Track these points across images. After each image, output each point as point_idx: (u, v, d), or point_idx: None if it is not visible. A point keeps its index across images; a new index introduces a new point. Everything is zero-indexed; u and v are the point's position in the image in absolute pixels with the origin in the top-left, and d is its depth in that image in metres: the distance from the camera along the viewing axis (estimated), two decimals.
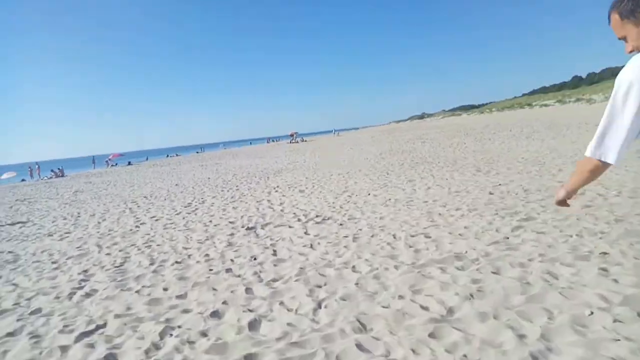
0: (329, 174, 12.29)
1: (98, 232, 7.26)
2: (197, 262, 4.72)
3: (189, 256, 4.99)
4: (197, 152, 60.66)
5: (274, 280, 3.85)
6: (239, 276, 4.07)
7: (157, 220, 7.76)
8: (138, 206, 9.97)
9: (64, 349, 2.94)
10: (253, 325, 2.97)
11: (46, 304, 3.87)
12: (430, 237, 4.55)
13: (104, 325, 3.27)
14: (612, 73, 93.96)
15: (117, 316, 3.40)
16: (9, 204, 14.04)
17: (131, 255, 5.35)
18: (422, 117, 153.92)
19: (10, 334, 3.26)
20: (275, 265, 4.28)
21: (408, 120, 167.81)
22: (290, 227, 5.91)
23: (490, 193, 6.49)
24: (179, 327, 3.08)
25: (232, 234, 5.87)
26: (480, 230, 4.57)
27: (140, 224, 7.56)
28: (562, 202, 1.79)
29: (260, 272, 4.12)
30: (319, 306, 3.15)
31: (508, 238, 4.16)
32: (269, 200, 8.51)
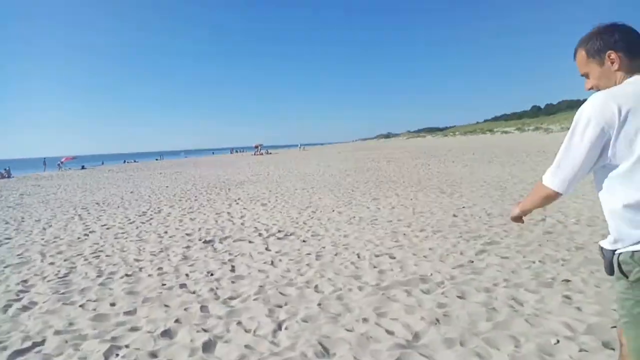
0: (293, 188, 12.13)
1: (42, 239, 6.74)
2: (149, 275, 4.42)
3: (141, 269, 4.68)
4: (157, 159, 58.98)
5: (232, 298, 3.64)
6: (193, 292, 3.82)
7: (108, 228, 7.32)
8: (88, 213, 9.41)
9: None
10: (207, 346, 2.75)
11: None
12: (394, 258, 4.47)
13: (42, 343, 2.96)
14: (567, 105, 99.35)
15: (57, 332, 3.09)
16: None
17: (77, 266, 4.96)
18: (387, 136, 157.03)
19: None
20: (233, 282, 4.06)
21: (375, 138, 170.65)
22: (250, 242, 5.69)
23: (454, 215, 6.53)
24: (126, 346, 2.81)
25: (188, 247, 5.58)
26: (445, 252, 4.54)
27: (90, 232, 7.10)
28: (517, 219, 1.86)
29: (217, 288, 3.89)
30: (279, 327, 2.97)
31: (472, 262, 4.14)
32: (229, 213, 8.23)
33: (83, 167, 39.32)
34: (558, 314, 2.82)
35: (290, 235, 5.95)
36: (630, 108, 1.32)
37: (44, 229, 7.66)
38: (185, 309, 3.40)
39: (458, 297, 3.26)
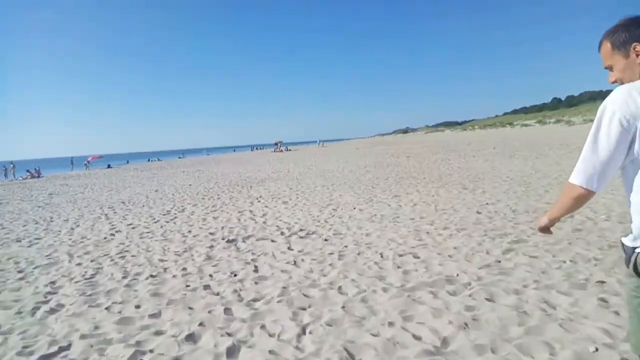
0: (313, 185, 12.11)
1: (70, 239, 6.89)
2: (174, 276, 4.45)
3: (165, 269, 4.71)
4: (179, 158, 59.82)
5: (255, 300, 3.62)
6: (217, 294, 3.82)
7: (133, 228, 7.43)
8: (114, 212, 9.59)
9: None
10: (231, 351, 2.73)
11: (6, 319, 3.54)
12: (419, 258, 4.38)
13: (68, 347, 2.98)
14: (589, 97, 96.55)
15: (83, 336, 3.12)
16: None
17: (103, 267, 5.04)
18: (405, 131, 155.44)
19: None
20: (256, 283, 4.05)
21: (392, 134, 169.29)
22: (273, 241, 5.68)
23: (478, 212, 6.39)
24: (151, 351, 2.82)
25: (211, 247, 5.61)
26: (470, 251, 4.43)
27: (116, 231, 7.22)
28: (544, 229, 1.75)
29: (241, 290, 3.88)
30: (303, 332, 2.93)
31: (500, 261, 4.02)
32: (251, 211, 8.26)
33: (109, 166, 40.20)
34: (595, 319, 2.70)
35: (312, 234, 5.92)
36: None
37: (72, 228, 7.82)
38: (209, 312, 3.40)
39: (487, 299, 3.16)
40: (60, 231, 7.65)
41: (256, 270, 4.45)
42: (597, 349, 2.35)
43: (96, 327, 3.29)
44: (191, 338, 2.96)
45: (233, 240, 5.86)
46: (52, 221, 8.93)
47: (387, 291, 3.51)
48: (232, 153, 70.74)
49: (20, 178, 29.75)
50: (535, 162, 13.17)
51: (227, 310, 3.40)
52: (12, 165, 33.99)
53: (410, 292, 3.45)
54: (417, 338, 2.68)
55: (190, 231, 6.75)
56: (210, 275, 4.37)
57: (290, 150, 53.90)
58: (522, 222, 5.52)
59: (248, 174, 18.80)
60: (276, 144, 57.31)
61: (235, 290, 3.85)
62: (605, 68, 1.56)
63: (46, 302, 3.94)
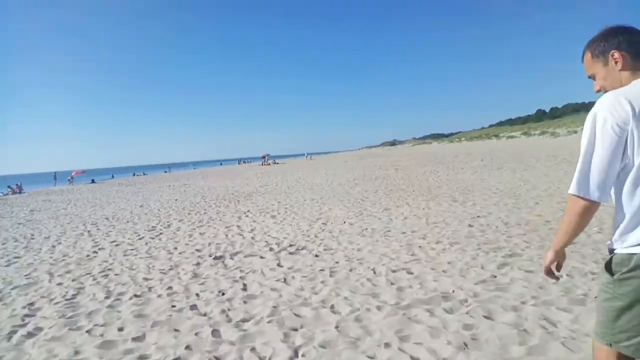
0: (302, 198, 11.98)
1: (51, 257, 6.65)
2: (159, 296, 4.27)
3: (150, 289, 4.53)
4: (165, 172, 59.16)
5: (244, 320, 3.47)
6: (204, 315, 3.66)
7: (117, 245, 7.20)
8: (98, 229, 9.32)
9: None
10: None
11: None
12: (412, 273, 4.28)
13: None
14: (573, 109, 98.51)
15: None
16: None
17: (85, 286, 4.83)
18: (393, 143, 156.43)
19: None
20: (245, 302, 3.89)
21: (380, 146, 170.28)
22: (261, 257, 5.53)
23: (470, 225, 6.33)
24: None
25: (198, 264, 5.44)
26: (465, 266, 4.34)
27: (99, 249, 6.99)
28: (550, 272, 1.64)
29: (229, 310, 3.72)
30: (296, 354, 2.79)
31: (495, 277, 3.93)
32: (238, 226, 8.09)
33: (93, 181, 39.52)
34: None
35: (302, 249, 5.78)
36: None
37: (53, 246, 7.56)
38: (195, 334, 3.24)
39: (485, 317, 3.06)
40: (40, 249, 7.39)
41: (245, 288, 4.30)
42: None
43: (76, 352, 3.11)
44: None
45: (220, 257, 5.70)
46: (32, 238, 8.64)
47: (381, 309, 3.39)
48: (219, 166, 70.28)
49: (1, 194, 29.04)
50: (524, 174, 13.24)
51: (215, 332, 3.24)
52: None
53: (405, 310, 3.34)
54: None
55: (176, 248, 6.56)
56: (197, 295, 4.21)
57: (278, 163, 53.72)
58: (514, 235, 5.46)
59: (235, 187, 18.59)
60: (264, 157, 57.12)
61: (223, 310, 3.70)
62: (589, 77, 1.62)
63: (23, 326, 3.74)
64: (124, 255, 6.31)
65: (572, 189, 1.44)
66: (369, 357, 2.66)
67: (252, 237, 6.90)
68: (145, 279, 4.92)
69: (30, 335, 3.52)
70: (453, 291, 3.65)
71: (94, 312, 3.95)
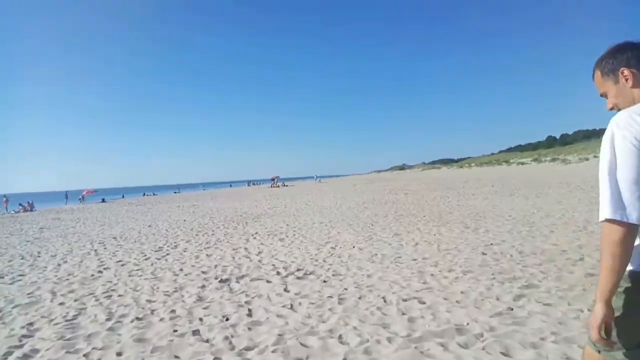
0: (310, 222, 11.84)
1: (56, 275, 6.57)
2: (161, 319, 4.14)
3: (153, 312, 4.41)
4: (175, 192, 59.47)
5: (248, 348, 3.32)
6: (207, 341, 3.52)
7: (123, 265, 7.11)
8: (105, 248, 9.26)
9: None
10: None
11: None
12: (424, 303, 4.10)
13: None
14: (584, 135, 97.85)
15: None
16: None
17: (87, 307, 4.72)
18: (402, 168, 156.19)
19: None
20: (249, 328, 3.75)
21: (389, 170, 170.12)
22: (268, 281, 5.39)
23: (483, 253, 6.13)
24: None
25: (203, 287, 5.31)
26: (479, 297, 4.16)
27: (104, 268, 6.90)
28: (600, 339, 1.37)
29: (232, 336, 3.58)
30: None
31: (512, 309, 3.74)
32: (246, 249, 7.97)
33: (103, 200, 39.85)
34: None
35: (310, 274, 5.63)
36: None
37: (59, 264, 7.50)
38: None
39: (502, 353, 2.88)
40: (46, 267, 7.32)
41: (250, 314, 4.16)
42: None
43: None
44: None
45: (226, 280, 5.57)
46: (39, 256, 8.59)
47: (392, 341, 3.23)
48: (228, 188, 70.54)
49: (13, 212, 29.30)
50: (536, 201, 12.99)
51: None
52: (4, 199, 33.59)
53: (417, 344, 3.16)
54: None
55: (182, 269, 6.45)
56: (200, 319, 4.07)
57: (287, 185, 53.78)
58: (530, 265, 5.26)
59: (244, 209, 18.53)
60: (273, 179, 57.28)
61: (226, 337, 3.56)
62: (601, 96, 1.59)
63: (20, 347, 3.64)
64: (129, 276, 6.20)
65: (607, 214, 1.29)
66: None
67: (259, 260, 6.77)
68: (149, 301, 4.80)
69: (25, 357, 3.42)
70: (467, 324, 3.47)
71: (93, 334, 3.84)
